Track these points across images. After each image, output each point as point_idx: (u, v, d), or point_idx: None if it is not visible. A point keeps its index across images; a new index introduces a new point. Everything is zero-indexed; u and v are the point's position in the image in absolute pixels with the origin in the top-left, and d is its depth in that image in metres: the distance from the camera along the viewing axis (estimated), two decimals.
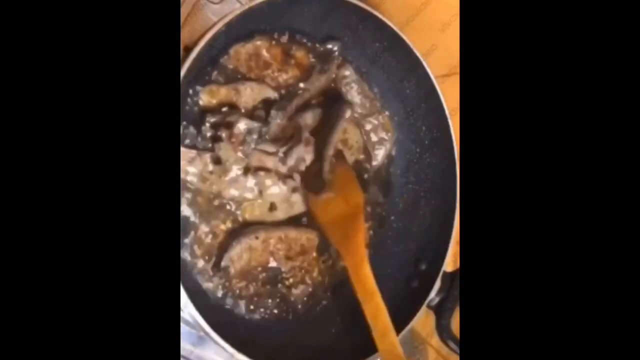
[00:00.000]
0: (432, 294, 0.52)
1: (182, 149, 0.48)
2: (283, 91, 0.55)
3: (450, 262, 0.53)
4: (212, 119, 0.50)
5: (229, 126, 0.50)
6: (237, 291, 0.51)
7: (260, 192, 0.52)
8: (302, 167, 0.53)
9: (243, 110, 0.52)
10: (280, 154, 0.52)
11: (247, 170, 0.51)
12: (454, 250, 0.53)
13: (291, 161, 0.53)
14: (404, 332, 0.50)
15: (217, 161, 0.50)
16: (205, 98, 0.51)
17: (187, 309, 0.43)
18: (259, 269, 0.52)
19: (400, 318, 0.51)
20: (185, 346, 0.52)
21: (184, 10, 0.54)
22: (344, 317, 0.55)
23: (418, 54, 0.54)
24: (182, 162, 0.48)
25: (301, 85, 0.55)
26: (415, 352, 0.67)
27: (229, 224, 0.51)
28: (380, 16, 0.52)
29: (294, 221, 0.54)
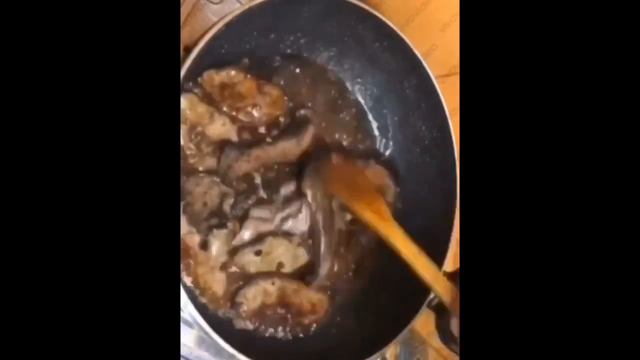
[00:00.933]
0: (432, 294, 0.52)
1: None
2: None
3: (450, 262, 0.53)
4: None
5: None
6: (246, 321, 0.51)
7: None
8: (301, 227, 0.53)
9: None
10: (277, 221, 0.52)
11: (258, 253, 0.51)
12: (454, 250, 0.53)
13: (289, 223, 0.52)
14: (404, 332, 0.50)
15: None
16: (185, 104, 0.50)
17: (187, 309, 0.43)
18: (269, 311, 0.52)
19: (401, 318, 0.51)
20: (185, 346, 0.52)
21: (184, 10, 0.54)
22: (345, 318, 0.55)
23: (418, 54, 0.54)
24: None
25: (268, 139, 0.54)
26: (415, 352, 0.67)
27: (238, 282, 0.51)
28: (380, 16, 0.52)
29: (300, 275, 0.54)
